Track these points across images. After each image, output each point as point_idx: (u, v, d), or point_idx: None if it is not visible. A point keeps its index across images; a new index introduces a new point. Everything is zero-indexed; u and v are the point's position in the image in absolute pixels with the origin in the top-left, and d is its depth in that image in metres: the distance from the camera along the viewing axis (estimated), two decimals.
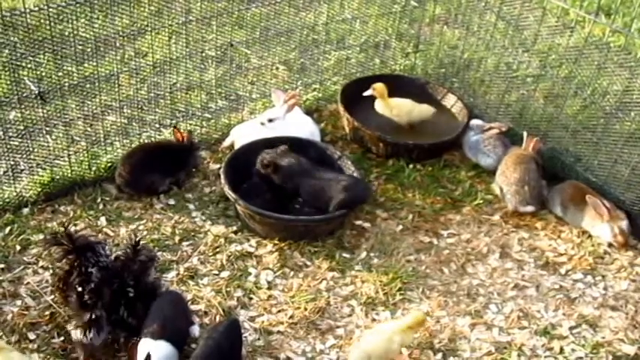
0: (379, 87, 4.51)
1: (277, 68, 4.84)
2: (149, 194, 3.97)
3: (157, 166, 3.97)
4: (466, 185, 4.26)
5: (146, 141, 4.19)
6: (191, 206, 3.94)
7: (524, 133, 4.26)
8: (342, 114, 4.52)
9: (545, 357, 3.28)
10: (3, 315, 3.23)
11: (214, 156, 4.32)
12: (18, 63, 3.61)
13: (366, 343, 3.09)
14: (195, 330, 3.19)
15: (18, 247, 3.56)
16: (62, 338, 3.13)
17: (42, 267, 3.47)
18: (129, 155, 4.00)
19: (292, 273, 3.59)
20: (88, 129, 4.09)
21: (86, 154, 4.00)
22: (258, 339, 3.23)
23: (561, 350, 3.32)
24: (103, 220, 3.77)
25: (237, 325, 3.09)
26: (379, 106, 4.55)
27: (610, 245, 3.89)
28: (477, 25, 4.86)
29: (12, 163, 3.79)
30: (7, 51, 3.55)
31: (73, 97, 3.97)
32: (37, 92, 3.61)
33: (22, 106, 3.70)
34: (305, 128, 4.35)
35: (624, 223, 3.83)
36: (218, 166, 4.19)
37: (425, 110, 4.57)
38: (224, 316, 3.30)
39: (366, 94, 4.51)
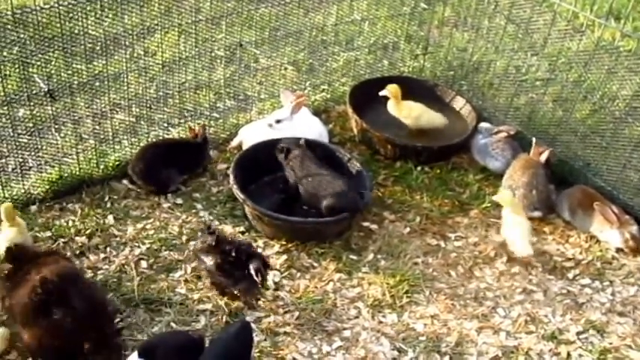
0: (394, 88, 4.50)
1: (286, 69, 4.83)
2: (162, 190, 3.98)
3: (174, 162, 4.00)
4: (474, 188, 4.25)
5: (154, 140, 4.19)
6: (199, 206, 3.94)
7: (533, 140, 4.24)
8: (351, 115, 4.52)
9: None
10: None
11: (222, 156, 4.32)
12: (28, 60, 3.61)
13: None
14: None
15: None
16: None
17: None
18: (144, 150, 4.03)
19: (299, 274, 3.58)
20: (97, 127, 4.10)
21: (94, 153, 4.00)
22: (265, 340, 3.22)
23: (568, 355, 3.30)
24: (110, 219, 3.77)
25: (248, 327, 3.07)
26: (391, 107, 4.54)
27: (618, 250, 3.88)
28: (487, 27, 4.85)
29: (20, 160, 3.80)
30: (17, 48, 3.56)
31: (81, 95, 3.98)
32: (46, 90, 3.62)
33: (32, 104, 3.71)
34: (313, 129, 4.34)
35: (635, 229, 3.82)
36: (226, 165, 4.19)
37: (436, 118, 4.54)
38: (230, 316, 3.30)
39: (381, 93, 4.49)
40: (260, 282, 3.30)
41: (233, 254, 3.33)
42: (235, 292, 3.33)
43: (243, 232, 3.78)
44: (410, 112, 4.50)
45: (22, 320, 2.92)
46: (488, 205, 4.12)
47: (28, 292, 2.86)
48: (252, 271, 3.29)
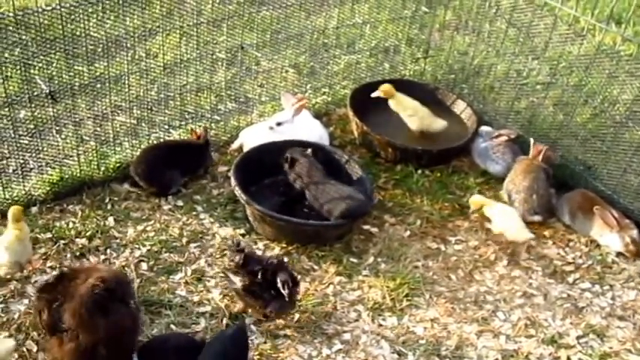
0: (386, 88, 4.50)
1: (287, 71, 4.83)
2: (164, 191, 3.98)
3: (176, 164, 4.00)
4: (474, 192, 4.24)
5: (154, 142, 4.19)
6: (199, 208, 3.94)
7: (531, 140, 4.24)
8: (352, 118, 4.52)
9: None
10: (10, 313, 3.23)
11: (222, 158, 4.33)
12: (29, 62, 3.62)
13: None
14: None
15: None
16: None
17: (50, 267, 3.47)
18: (147, 151, 4.04)
19: (299, 277, 3.56)
20: (98, 129, 4.10)
21: (95, 154, 4.01)
22: (265, 342, 3.22)
23: (568, 359, 3.31)
24: (111, 221, 3.77)
25: (244, 330, 3.07)
26: (393, 106, 4.55)
27: (618, 254, 3.88)
28: (488, 31, 4.85)
29: (21, 161, 3.80)
30: (18, 49, 3.56)
31: (83, 97, 3.98)
32: (47, 91, 3.62)
33: (33, 105, 3.71)
34: (314, 132, 4.35)
35: (635, 233, 3.82)
36: (226, 168, 4.20)
37: (438, 124, 4.53)
38: (230, 319, 3.30)
39: (374, 95, 4.50)
40: (287, 295, 3.20)
41: (260, 276, 3.24)
42: (268, 313, 3.28)
43: (243, 235, 3.78)
44: (415, 111, 4.51)
45: (76, 322, 2.81)
46: None
47: (86, 291, 2.81)
48: (280, 284, 3.19)
